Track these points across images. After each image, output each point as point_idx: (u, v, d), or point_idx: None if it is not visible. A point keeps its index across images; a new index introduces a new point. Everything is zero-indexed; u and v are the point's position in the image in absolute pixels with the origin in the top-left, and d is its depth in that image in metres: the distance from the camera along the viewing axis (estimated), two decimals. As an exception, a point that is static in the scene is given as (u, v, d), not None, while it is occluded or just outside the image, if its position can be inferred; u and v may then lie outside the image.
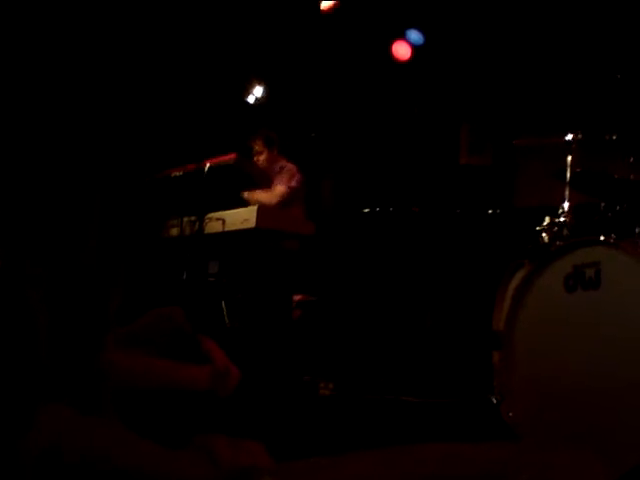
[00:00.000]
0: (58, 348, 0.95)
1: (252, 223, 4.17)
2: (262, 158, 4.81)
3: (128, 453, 0.88)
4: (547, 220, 2.83)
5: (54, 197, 1.00)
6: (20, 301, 0.86)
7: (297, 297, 4.85)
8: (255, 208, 4.21)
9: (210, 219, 4.24)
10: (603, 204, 2.77)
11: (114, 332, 1.45)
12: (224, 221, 4.26)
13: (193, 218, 4.22)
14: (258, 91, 5.98)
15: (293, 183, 4.69)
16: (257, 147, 4.83)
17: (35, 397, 0.84)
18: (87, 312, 1.05)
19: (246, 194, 4.59)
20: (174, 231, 4.35)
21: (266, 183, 4.68)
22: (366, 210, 4.96)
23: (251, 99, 5.99)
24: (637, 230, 2.59)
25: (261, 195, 4.61)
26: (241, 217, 4.24)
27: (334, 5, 5.11)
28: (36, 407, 0.82)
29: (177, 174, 4.28)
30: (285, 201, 4.63)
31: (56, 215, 1.00)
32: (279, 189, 4.63)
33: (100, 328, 1.12)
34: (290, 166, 4.79)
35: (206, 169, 4.17)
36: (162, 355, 1.56)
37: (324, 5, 5.12)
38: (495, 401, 2.75)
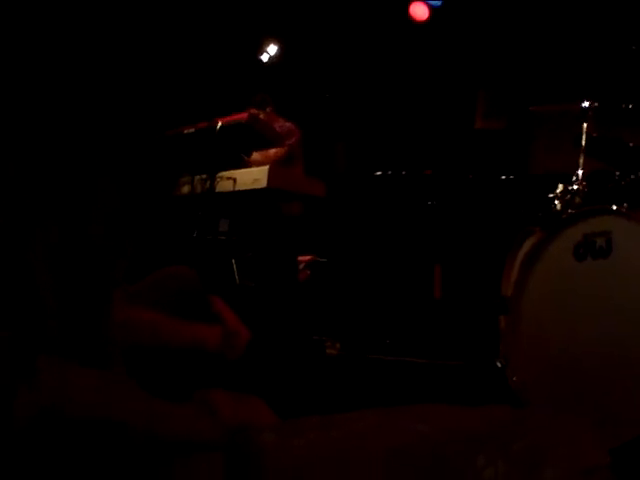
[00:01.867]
0: (64, 306, 0.96)
1: (263, 183, 4.16)
2: (262, 118, 4.80)
3: (128, 406, 0.90)
4: (560, 187, 2.81)
5: (60, 156, 1.00)
6: (18, 258, 0.86)
7: (307, 258, 4.87)
8: (266, 168, 4.20)
9: (221, 178, 4.24)
10: (617, 173, 2.75)
11: (123, 289, 1.46)
12: (235, 180, 4.26)
13: (204, 176, 4.22)
14: (272, 49, 5.92)
15: (291, 141, 4.69)
16: (252, 111, 4.80)
17: (35, 353, 0.85)
18: (94, 270, 1.05)
19: (253, 155, 4.58)
20: (185, 189, 4.35)
21: (279, 142, 4.67)
22: (378, 173, 4.94)
23: (265, 57, 5.93)
24: (650, 200, 2.58)
25: (259, 155, 4.60)
26: (252, 177, 4.23)
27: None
28: (34, 361, 0.82)
29: (189, 131, 4.26)
30: (284, 160, 4.62)
31: (62, 173, 0.99)
32: (277, 149, 4.63)
33: (108, 285, 1.12)
34: (288, 124, 4.78)
35: (218, 127, 4.14)
36: (171, 314, 1.58)
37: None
38: (500, 365, 2.77)
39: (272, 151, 4.63)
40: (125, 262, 1.21)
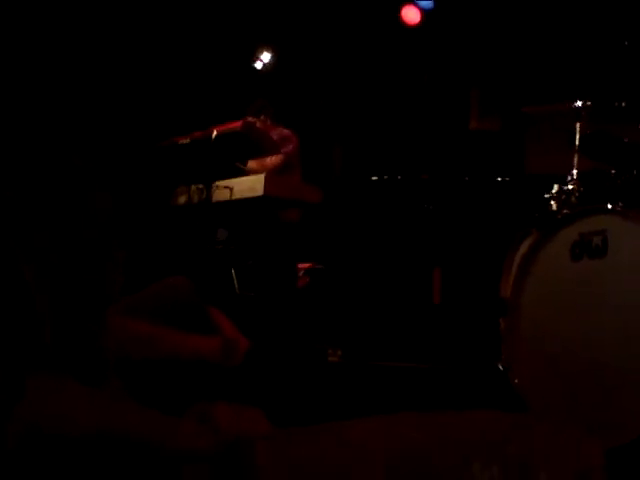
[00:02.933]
0: (59, 318, 0.96)
1: (260, 191, 4.17)
2: (258, 126, 4.79)
3: (123, 420, 0.90)
4: (556, 188, 2.81)
5: (54, 165, 0.99)
6: (13, 275, 0.86)
7: (305, 265, 4.87)
8: (262, 176, 4.21)
9: (218, 187, 4.25)
10: (612, 171, 2.76)
11: (121, 301, 1.46)
12: (232, 189, 4.27)
13: (201, 186, 4.22)
14: (266, 57, 5.93)
15: (288, 149, 4.69)
16: (250, 116, 4.81)
17: (28, 369, 0.85)
18: (88, 280, 1.05)
19: (249, 163, 4.59)
20: (182, 199, 4.36)
21: (274, 150, 4.67)
22: (374, 178, 4.94)
23: (259, 65, 5.94)
24: (645, 198, 2.58)
25: (256, 163, 4.61)
26: (249, 185, 4.24)
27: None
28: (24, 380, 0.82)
29: (184, 142, 4.27)
30: (282, 168, 4.62)
31: (56, 185, 0.99)
32: (274, 157, 4.63)
33: (102, 296, 1.12)
34: (285, 132, 4.78)
35: (213, 136, 4.15)
36: (169, 325, 1.57)
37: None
38: (502, 368, 2.76)
39: (269, 159, 4.63)
40: (120, 273, 1.21)
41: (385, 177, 4.86)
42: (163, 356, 1.57)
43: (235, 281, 4.57)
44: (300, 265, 4.90)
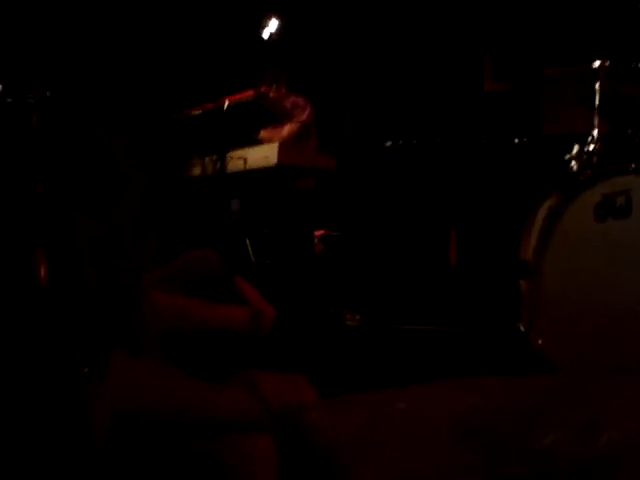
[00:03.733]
0: (103, 292, 0.96)
1: (274, 160, 4.15)
2: (271, 95, 4.75)
3: (186, 395, 0.91)
4: (576, 148, 2.79)
5: (91, 148, 1.00)
6: (64, 246, 0.86)
7: (318, 233, 4.87)
8: (276, 145, 4.19)
9: (232, 157, 4.24)
10: (629, 131, 2.73)
11: (152, 274, 1.47)
12: (246, 159, 4.26)
13: (215, 157, 4.21)
14: (273, 25, 5.86)
15: (303, 117, 4.65)
16: (264, 86, 4.76)
17: (108, 347, 0.85)
18: (127, 253, 1.06)
19: (262, 133, 4.56)
20: (196, 170, 4.36)
21: (289, 118, 4.64)
22: (389, 143, 4.91)
23: (266, 34, 5.87)
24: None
25: (271, 133, 4.58)
26: (262, 154, 4.22)
27: None
28: (106, 357, 0.82)
29: (196, 113, 4.25)
30: (297, 136, 4.59)
31: (96, 165, 0.99)
32: (289, 125, 4.60)
33: (140, 269, 1.13)
34: (299, 100, 4.74)
35: (225, 107, 4.13)
36: (200, 297, 1.59)
37: None
38: (523, 329, 2.77)
39: (284, 128, 4.60)
40: (155, 246, 1.22)
41: (400, 142, 4.83)
42: (195, 327, 1.59)
43: (250, 250, 4.58)
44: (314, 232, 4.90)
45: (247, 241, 4.60)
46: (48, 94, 0.91)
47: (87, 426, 0.75)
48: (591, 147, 2.72)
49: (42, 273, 0.78)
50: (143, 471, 0.87)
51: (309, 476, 0.76)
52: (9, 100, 0.87)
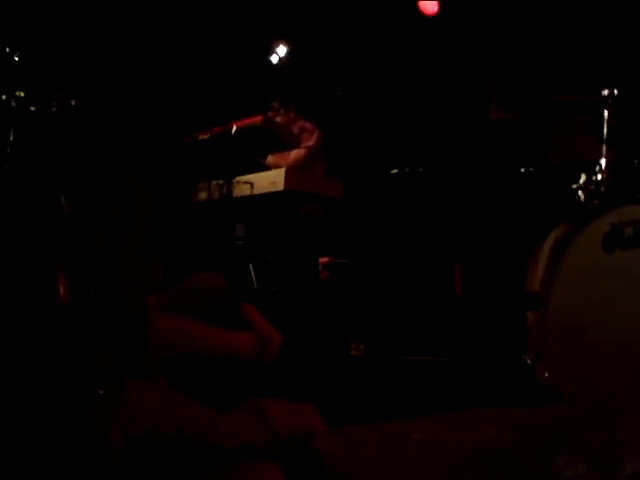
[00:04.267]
0: (108, 312, 0.95)
1: (280, 186, 4.15)
2: (278, 120, 4.76)
3: (193, 421, 0.89)
4: (583, 178, 2.78)
5: (102, 168, 0.99)
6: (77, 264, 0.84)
7: (324, 259, 4.85)
8: (283, 171, 4.19)
9: (238, 182, 4.23)
10: (635, 161, 2.73)
11: (158, 297, 1.46)
12: (252, 184, 4.25)
13: (221, 181, 4.21)
14: (282, 50, 5.91)
15: (311, 142, 4.65)
16: (273, 110, 4.78)
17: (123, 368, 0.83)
18: (134, 276, 1.04)
19: (269, 158, 4.57)
20: (203, 195, 4.35)
21: (295, 144, 4.64)
22: (394, 171, 4.92)
23: (274, 59, 5.92)
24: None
25: (278, 158, 4.58)
26: (269, 180, 4.22)
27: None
28: (122, 378, 0.80)
29: (204, 137, 4.25)
30: (304, 162, 4.59)
31: (106, 187, 0.99)
32: (296, 151, 4.60)
33: (145, 292, 1.12)
34: (307, 125, 4.74)
35: (233, 131, 4.13)
36: (205, 321, 1.57)
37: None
38: (529, 361, 2.74)
39: (291, 153, 4.61)
40: (161, 267, 1.21)
41: (406, 169, 4.83)
42: (200, 353, 1.58)
43: (253, 276, 4.56)
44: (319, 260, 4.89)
45: (250, 267, 4.59)
46: (73, 103, 0.90)
47: (103, 448, 0.73)
48: (599, 176, 2.72)
49: (62, 291, 0.76)
50: None
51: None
52: (32, 108, 0.86)
